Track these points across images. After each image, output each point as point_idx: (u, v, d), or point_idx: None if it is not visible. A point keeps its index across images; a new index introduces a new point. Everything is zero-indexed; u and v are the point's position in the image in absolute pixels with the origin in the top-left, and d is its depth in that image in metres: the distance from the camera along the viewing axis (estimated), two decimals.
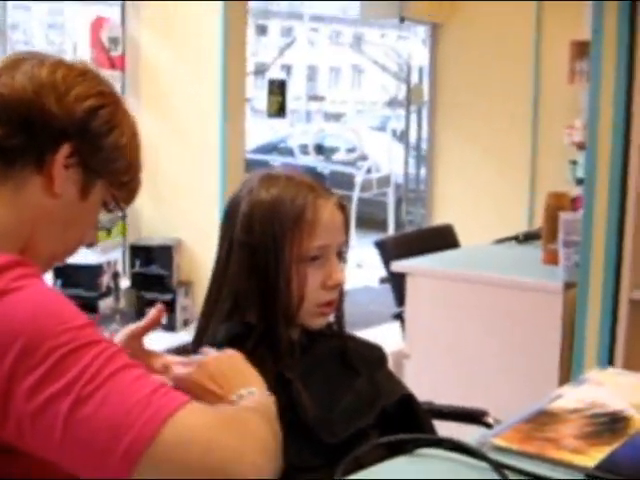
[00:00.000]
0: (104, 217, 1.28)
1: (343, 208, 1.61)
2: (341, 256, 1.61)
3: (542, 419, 1.64)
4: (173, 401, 0.98)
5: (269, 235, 1.54)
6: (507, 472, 1.39)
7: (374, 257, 4.06)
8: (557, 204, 3.33)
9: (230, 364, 1.29)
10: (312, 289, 1.56)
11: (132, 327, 1.39)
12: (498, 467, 1.39)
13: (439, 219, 7.25)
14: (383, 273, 4.12)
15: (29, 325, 0.98)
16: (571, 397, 1.76)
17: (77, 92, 1.17)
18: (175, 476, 0.95)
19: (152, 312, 1.38)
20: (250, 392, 1.20)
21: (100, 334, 1.03)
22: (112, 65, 5.57)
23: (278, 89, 6.90)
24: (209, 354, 1.33)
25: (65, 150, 1.15)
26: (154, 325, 1.38)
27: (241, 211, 1.57)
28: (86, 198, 1.19)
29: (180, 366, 1.30)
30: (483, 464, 1.43)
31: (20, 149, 1.14)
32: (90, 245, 1.29)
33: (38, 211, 1.16)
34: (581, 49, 6.32)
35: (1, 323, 0.98)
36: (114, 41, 5.63)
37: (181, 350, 1.66)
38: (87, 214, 1.22)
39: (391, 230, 9.35)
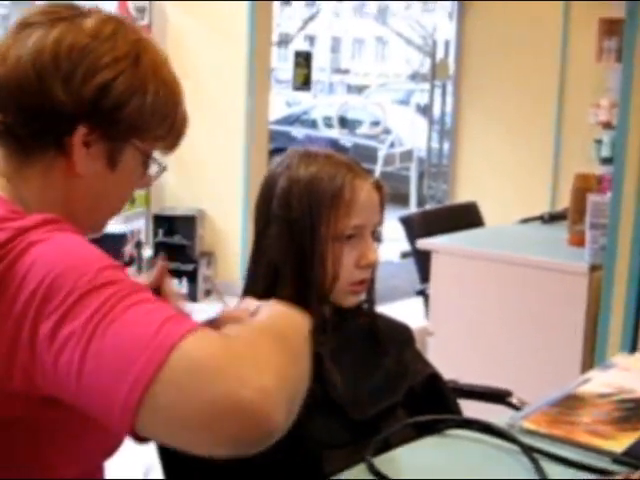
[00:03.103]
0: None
1: (380, 189, 1.61)
2: (375, 236, 1.61)
3: (570, 403, 1.65)
4: (181, 328, 0.94)
5: (306, 212, 1.54)
6: (536, 455, 1.40)
7: (396, 231, 4.06)
8: (584, 185, 3.31)
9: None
10: (346, 268, 1.56)
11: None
12: (528, 450, 1.40)
13: (461, 195, 7.24)
14: (404, 247, 4.11)
15: (52, 270, 0.98)
16: (599, 381, 1.77)
17: (84, 69, 1.10)
18: (184, 403, 0.91)
19: (156, 268, 1.33)
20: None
21: (122, 275, 1.01)
22: None
23: (304, 61, 6.89)
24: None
25: (81, 132, 1.12)
26: (163, 277, 1.33)
27: (279, 186, 1.57)
28: (115, 167, 1.16)
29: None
30: (512, 446, 1.44)
31: (35, 136, 1.12)
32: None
33: (67, 192, 1.15)
34: (610, 27, 6.27)
35: (29, 270, 0.99)
36: (141, 10, 5.63)
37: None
38: (121, 182, 1.19)
39: (413, 205, 9.34)
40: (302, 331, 1.12)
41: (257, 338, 1.01)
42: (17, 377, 0.99)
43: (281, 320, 1.12)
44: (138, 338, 0.93)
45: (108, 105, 1.11)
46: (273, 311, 1.15)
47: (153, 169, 1.24)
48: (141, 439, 0.94)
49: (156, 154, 1.23)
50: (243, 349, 0.96)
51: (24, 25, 1.13)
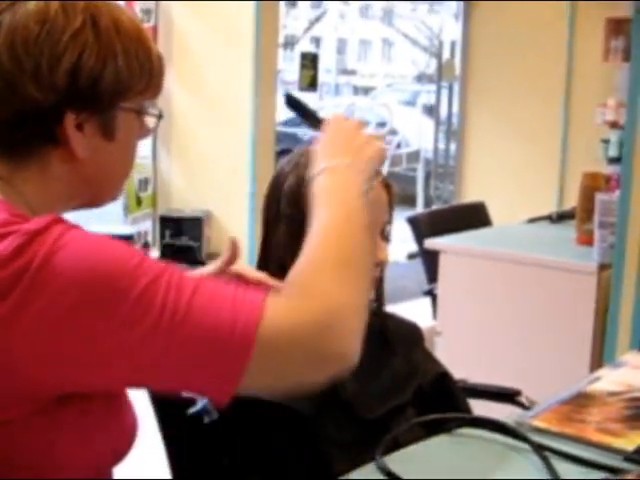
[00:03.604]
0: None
1: (389, 188, 1.61)
2: (384, 235, 1.61)
3: (580, 401, 1.65)
4: (254, 305, 1.01)
5: None
6: (547, 454, 1.39)
7: (403, 232, 4.05)
8: (592, 184, 3.30)
9: (364, 136, 1.28)
10: None
11: (209, 270, 1.41)
12: (539, 449, 1.40)
13: (468, 195, 7.22)
14: (411, 248, 4.10)
15: (91, 278, 0.97)
16: (609, 380, 1.76)
17: (47, 58, 1.06)
18: (282, 372, 1.03)
19: (228, 249, 1.41)
20: (348, 165, 1.22)
21: (158, 263, 1.03)
22: None
23: (310, 63, 6.88)
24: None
25: (69, 118, 1.09)
26: (234, 259, 1.41)
27: (287, 185, 1.57)
28: (113, 137, 1.14)
29: None
30: (523, 445, 1.43)
31: (24, 140, 1.09)
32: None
33: (72, 179, 1.13)
34: (616, 27, 6.26)
35: (60, 282, 0.97)
36: (147, 12, 5.63)
37: None
38: (123, 147, 1.17)
39: (420, 205, 9.33)
40: (359, 223, 1.16)
41: (323, 282, 1.07)
42: (49, 383, 0.99)
43: (340, 216, 1.16)
44: (221, 323, 0.99)
45: (84, 84, 1.08)
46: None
47: (150, 120, 1.21)
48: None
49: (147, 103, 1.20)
50: (316, 306, 1.04)
51: None
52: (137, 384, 1.06)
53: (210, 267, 1.41)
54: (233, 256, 1.40)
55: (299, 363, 1.03)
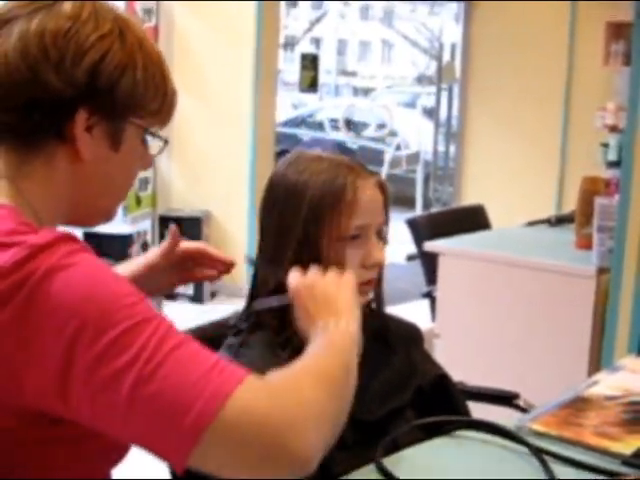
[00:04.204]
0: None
1: (383, 188, 1.61)
2: (381, 235, 1.61)
3: (578, 405, 1.65)
4: (231, 378, 0.99)
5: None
6: (545, 457, 1.40)
7: (401, 234, 4.05)
8: (592, 188, 3.30)
9: (334, 289, 1.33)
10: (352, 268, 1.56)
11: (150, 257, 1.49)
12: (537, 452, 1.40)
13: (467, 198, 7.23)
14: (410, 250, 4.11)
15: (83, 304, 0.97)
16: (607, 384, 1.77)
17: (72, 53, 1.10)
18: (233, 453, 0.97)
19: (169, 236, 1.49)
20: (336, 324, 1.25)
21: (152, 309, 1.02)
22: None
23: (310, 64, 6.90)
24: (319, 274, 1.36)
25: (82, 117, 1.11)
26: (176, 244, 1.49)
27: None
28: (119, 148, 1.16)
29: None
30: (521, 448, 1.44)
31: (36, 129, 1.11)
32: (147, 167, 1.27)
33: (72, 182, 1.14)
34: (617, 31, 6.28)
35: (55, 301, 0.97)
36: (148, 12, 5.63)
37: (218, 326, 1.68)
38: (125, 163, 1.19)
39: (419, 207, 9.34)
40: (348, 360, 1.21)
41: (301, 385, 1.06)
42: (30, 397, 0.99)
43: (329, 350, 1.19)
44: (190, 387, 0.97)
45: (102, 85, 1.11)
46: (325, 339, 1.22)
47: (154, 147, 1.23)
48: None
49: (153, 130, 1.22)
50: (290, 399, 1.02)
51: (3, 22, 1.12)
52: (93, 425, 1.01)
53: (149, 254, 1.49)
54: (174, 241, 1.49)
55: (256, 450, 0.98)
